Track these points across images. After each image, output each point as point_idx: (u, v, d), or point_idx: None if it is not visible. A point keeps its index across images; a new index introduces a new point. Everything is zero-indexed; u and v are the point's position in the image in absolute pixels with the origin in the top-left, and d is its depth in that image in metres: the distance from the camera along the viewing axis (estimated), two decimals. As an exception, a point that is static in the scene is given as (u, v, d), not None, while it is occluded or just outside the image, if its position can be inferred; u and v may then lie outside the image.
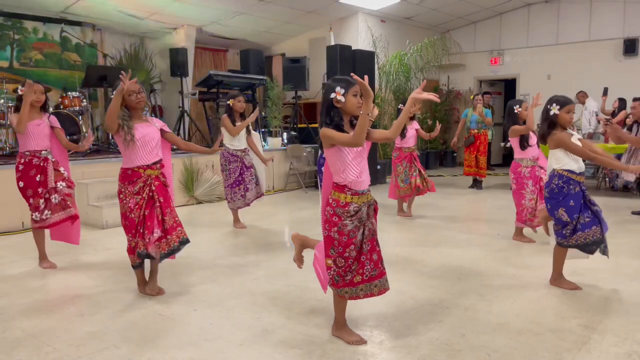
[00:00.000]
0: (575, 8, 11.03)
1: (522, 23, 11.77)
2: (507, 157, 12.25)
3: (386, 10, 10.62)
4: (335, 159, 2.63)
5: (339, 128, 2.58)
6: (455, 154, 12.56)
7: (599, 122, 9.27)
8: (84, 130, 7.71)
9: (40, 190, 4.14)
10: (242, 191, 5.56)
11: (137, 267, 3.55)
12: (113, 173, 6.42)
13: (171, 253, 3.52)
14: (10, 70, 8.33)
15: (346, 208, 2.63)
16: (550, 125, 3.51)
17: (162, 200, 3.46)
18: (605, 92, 9.18)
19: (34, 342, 2.88)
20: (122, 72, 3.29)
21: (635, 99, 7.76)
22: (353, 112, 2.62)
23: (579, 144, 3.48)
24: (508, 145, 5.12)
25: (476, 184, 8.69)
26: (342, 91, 2.58)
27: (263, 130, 9.45)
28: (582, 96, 9.75)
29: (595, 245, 3.49)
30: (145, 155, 3.42)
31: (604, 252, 3.55)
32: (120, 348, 2.81)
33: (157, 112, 10.23)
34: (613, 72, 10.43)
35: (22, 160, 4.14)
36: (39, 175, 4.13)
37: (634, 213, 6.31)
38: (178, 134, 9.35)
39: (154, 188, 3.44)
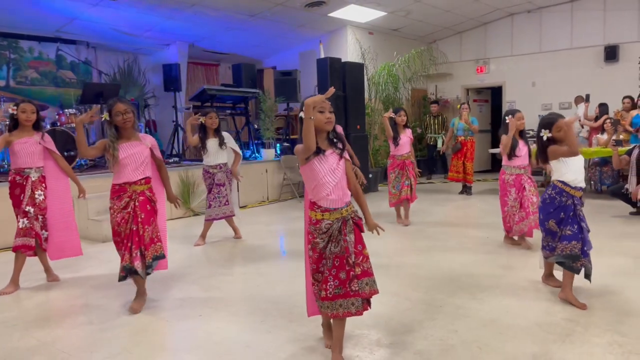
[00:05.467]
0: (557, 17, 11.37)
1: (506, 32, 12.10)
2: (495, 164, 12.52)
3: (374, 23, 10.89)
4: (307, 176, 2.65)
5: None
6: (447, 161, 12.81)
7: (582, 126, 9.57)
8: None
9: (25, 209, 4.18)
10: (212, 205, 5.62)
11: (121, 279, 3.60)
12: (112, 187, 6.58)
13: (147, 268, 3.59)
14: (7, 89, 8.49)
15: (317, 225, 2.63)
16: (544, 149, 3.50)
17: (143, 216, 3.55)
18: (587, 98, 9.47)
19: (49, 350, 3.03)
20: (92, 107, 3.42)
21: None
22: (321, 128, 2.61)
23: (578, 157, 3.50)
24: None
25: (466, 190, 8.91)
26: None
27: (257, 142, 9.65)
28: (579, 100, 10.00)
29: (571, 260, 3.42)
30: (130, 173, 3.55)
31: (587, 275, 3.46)
32: (133, 352, 2.97)
33: (151, 126, 10.40)
34: (595, 78, 10.75)
35: (10, 178, 4.23)
36: (22, 195, 4.17)
37: (632, 214, 6.56)
38: (172, 148, 9.53)
39: (137, 204, 3.55)
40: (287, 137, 10.21)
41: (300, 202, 8.70)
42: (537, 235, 4.70)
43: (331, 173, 2.61)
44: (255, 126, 9.96)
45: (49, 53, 8.96)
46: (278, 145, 9.75)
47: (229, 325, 3.33)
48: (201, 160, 8.35)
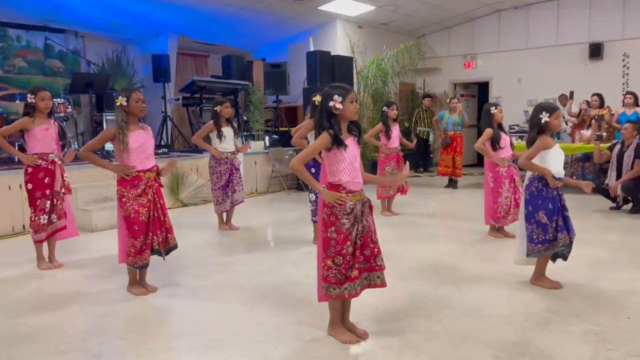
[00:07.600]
0: (544, 14, 11.51)
1: (494, 28, 12.24)
2: (481, 158, 12.67)
3: (363, 17, 10.95)
4: (334, 160, 2.77)
5: (337, 136, 2.72)
6: (431, 155, 12.93)
7: (566, 123, 9.75)
8: (69, 135, 7.83)
9: (47, 192, 4.35)
10: (229, 193, 5.77)
11: (144, 267, 3.72)
12: (101, 177, 6.60)
13: (170, 250, 3.80)
14: (-6, 77, 8.44)
15: (342, 207, 2.74)
16: (540, 132, 3.61)
17: (161, 202, 3.76)
18: (571, 95, 9.63)
19: (42, 336, 3.08)
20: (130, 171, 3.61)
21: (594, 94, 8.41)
22: (351, 118, 2.77)
23: (561, 151, 3.68)
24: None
25: (452, 184, 9.05)
26: (340, 99, 2.69)
27: (246, 134, 9.68)
28: (563, 98, 10.17)
29: (565, 248, 3.61)
30: (144, 160, 3.66)
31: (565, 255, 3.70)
32: (125, 339, 3.04)
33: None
34: (580, 75, 10.93)
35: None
36: (47, 178, 4.33)
37: (612, 209, 6.75)
38: (161, 139, 9.53)
39: (154, 191, 3.69)
40: (276, 129, 10.25)
41: (289, 195, 8.77)
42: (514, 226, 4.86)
43: (355, 159, 2.81)
44: (245, 118, 9.99)
45: (37, 42, 8.90)
46: (267, 137, 9.79)
47: (219, 313, 3.41)
48: (189, 152, 8.42)
